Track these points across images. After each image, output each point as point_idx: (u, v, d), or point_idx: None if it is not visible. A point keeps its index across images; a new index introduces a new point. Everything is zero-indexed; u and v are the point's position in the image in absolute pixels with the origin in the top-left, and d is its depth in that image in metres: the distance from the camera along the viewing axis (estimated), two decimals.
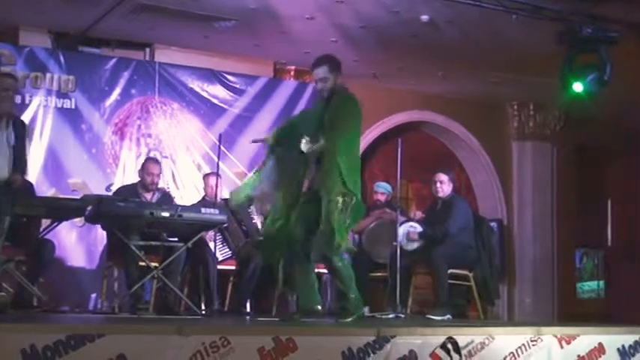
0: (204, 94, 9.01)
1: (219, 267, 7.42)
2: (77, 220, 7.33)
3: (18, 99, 8.08)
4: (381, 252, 7.93)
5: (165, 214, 6.45)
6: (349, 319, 5.56)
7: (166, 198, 7.41)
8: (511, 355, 4.97)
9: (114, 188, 7.91)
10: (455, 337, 4.80)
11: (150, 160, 7.66)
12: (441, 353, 4.74)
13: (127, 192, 7.22)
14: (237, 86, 9.18)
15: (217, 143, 7.73)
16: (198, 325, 4.84)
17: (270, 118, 9.14)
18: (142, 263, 6.71)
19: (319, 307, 5.80)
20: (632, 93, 9.51)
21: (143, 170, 7.45)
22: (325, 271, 7.75)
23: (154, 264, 6.69)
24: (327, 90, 5.78)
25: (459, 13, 7.70)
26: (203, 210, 6.75)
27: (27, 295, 6.66)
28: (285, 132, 5.96)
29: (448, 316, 7.20)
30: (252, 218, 7.76)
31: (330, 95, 5.78)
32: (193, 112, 8.94)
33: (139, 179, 7.48)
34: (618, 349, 5.41)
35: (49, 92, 8.25)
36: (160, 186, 7.86)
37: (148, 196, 7.31)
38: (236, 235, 7.65)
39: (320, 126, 5.72)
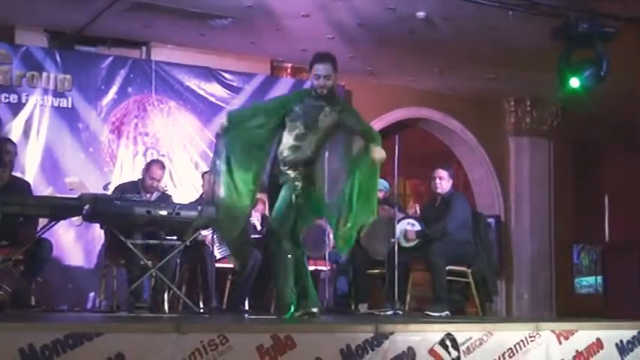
0: (201, 92, 9.00)
1: (218, 265, 7.42)
2: (75, 219, 7.32)
3: (14, 98, 8.12)
4: (378, 249, 7.92)
5: (163, 212, 6.43)
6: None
7: (164, 198, 7.40)
8: (509, 351, 4.98)
9: (111, 187, 7.90)
10: (453, 333, 4.81)
11: (155, 163, 7.61)
12: (440, 350, 4.74)
13: (130, 188, 7.23)
14: (234, 84, 9.17)
15: (215, 141, 7.71)
16: (196, 323, 4.83)
17: None
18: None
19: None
20: (629, 88, 9.52)
21: (147, 172, 7.44)
22: (324, 268, 7.80)
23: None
24: (327, 88, 5.72)
25: (455, 9, 7.71)
26: (200, 208, 6.73)
27: (25, 295, 6.66)
28: (246, 116, 5.92)
29: (446, 312, 7.19)
30: (249, 217, 7.75)
31: (329, 95, 5.72)
32: (190, 110, 8.93)
33: (140, 178, 7.47)
34: (616, 345, 5.41)
35: (45, 91, 8.24)
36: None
37: (148, 196, 7.31)
38: None
39: (314, 123, 5.67)
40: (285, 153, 5.69)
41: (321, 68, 5.71)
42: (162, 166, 7.65)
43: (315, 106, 5.71)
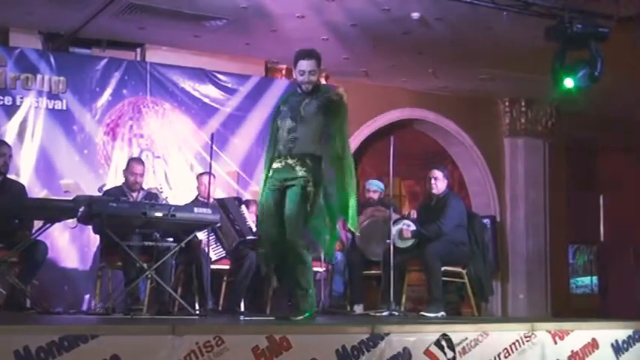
0: (196, 93, 8.99)
1: (213, 267, 7.42)
2: (70, 221, 7.31)
3: (9, 100, 8.11)
4: (374, 250, 7.93)
5: (158, 214, 6.43)
6: (300, 317, 5.52)
7: (151, 197, 7.40)
8: (505, 351, 4.99)
9: (106, 189, 7.89)
10: (449, 333, 4.82)
11: (133, 161, 7.67)
12: (435, 350, 4.75)
13: (115, 193, 7.23)
14: (229, 85, 9.17)
15: (209, 143, 7.72)
16: (192, 324, 4.83)
17: (262, 117, 9.12)
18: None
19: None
20: (623, 88, 9.55)
21: (127, 170, 7.47)
22: (320, 269, 7.80)
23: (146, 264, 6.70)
24: (312, 83, 5.72)
25: (449, 10, 7.71)
26: (196, 210, 6.74)
27: (20, 297, 6.65)
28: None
29: (442, 313, 7.20)
30: (245, 218, 7.76)
31: (313, 90, 5.72)
32: (185, 112, 8.93)
33: (123, 181, 7.49)
34: (612, 344, 5.43)
35: (40, 93, 8.23)
36: (152, 186, 7.87)
37: (134, 195, 7.31)
38: (229, 234, 7.65)
39: (298, 114, 5.64)
40: (289, 145, 5.63)
41: (304, 64, 5.73)
42: (141, 162, 7.69)
43: (298, 100, 5.73)
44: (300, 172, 5.60)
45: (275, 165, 5.72)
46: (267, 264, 5.87)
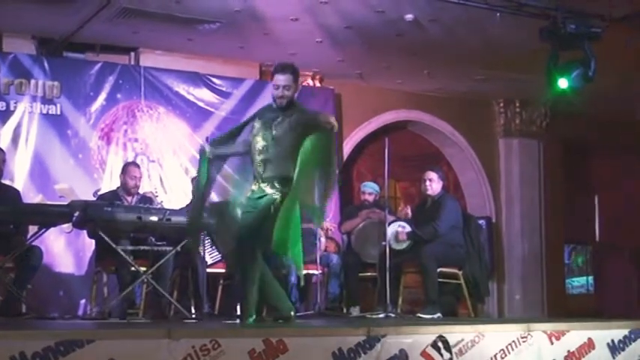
0: (190, 97, 8.99)
1: (209, 270, 7.41)
2: (65, 226, 7.30)
3: (3, 106, 8.10)
4: (370, 252, 7.94)
5: (154, 218, 6.43)
6: (249, 320, 5.54)
7: (145, 200, 7.39)
8: (501, 352, 4.99)
9: (101, 193, 7.89)
10: (445, 335, 4.82)
11: (131, 164, 7.67)
12: (432, 352, 4.75)
13: (110, 198, 7.21)
14: (223, 89, 9.17)
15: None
16: (188, 328, 4.83)
17: None
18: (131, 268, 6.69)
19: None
20: (618, 88, 9.56)
21: (125, 174, 7.43)
22: (316, 272, 7.80)
23: (142, 268, 6.69)
24: (287, 98, 5.66)
25: (443, 11, 7.72)
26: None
27: (15, 302, 6.65)
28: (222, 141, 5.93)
29: (438, 314, 7.21)
30: None
31: (287, 106, 5.65)
32: (179, 115, 8.92)
33: (120, 184, 7.47)
34: (608, 344, 5.43)
35: (33, 98, 8.22)
36: (147, 190, 7.86)
37: (129, 199, 7.30)
38: (225, 238, 7.63)
39: (270, 134, 5.60)
40: (259, 169, 5.64)
41: (280, 79, 5.66)
42: (138, 166, 7.69)
43: (271, 117, 5.67)
44: (270, 191, 5.59)
45: (252, 187, 5.71)
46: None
